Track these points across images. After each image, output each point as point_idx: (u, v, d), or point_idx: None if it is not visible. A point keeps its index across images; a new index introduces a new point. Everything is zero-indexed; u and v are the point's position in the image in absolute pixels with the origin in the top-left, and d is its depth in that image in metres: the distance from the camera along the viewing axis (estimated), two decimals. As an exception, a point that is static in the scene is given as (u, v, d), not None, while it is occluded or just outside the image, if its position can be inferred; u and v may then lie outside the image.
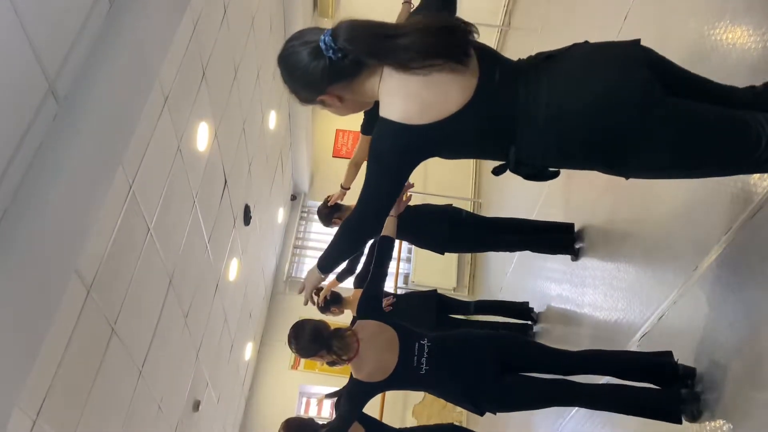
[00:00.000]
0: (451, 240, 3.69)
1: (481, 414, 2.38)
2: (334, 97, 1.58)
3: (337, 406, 3.11)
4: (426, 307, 4.10)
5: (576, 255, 3.50)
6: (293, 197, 7.96)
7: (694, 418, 2.05)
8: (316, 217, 8.45)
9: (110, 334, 3.07)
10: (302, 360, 7.09)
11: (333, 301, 3.90)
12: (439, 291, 4.31)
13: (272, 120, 5.97)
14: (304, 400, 7.13)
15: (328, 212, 3.77)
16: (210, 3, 3.71)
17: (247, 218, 5.51)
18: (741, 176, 1.97)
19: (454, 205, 3.86)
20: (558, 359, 2.42)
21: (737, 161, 1.51)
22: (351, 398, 2.41)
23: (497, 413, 2.38)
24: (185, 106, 3.57)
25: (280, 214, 7.35)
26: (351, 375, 2.47)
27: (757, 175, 1.89)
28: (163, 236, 3.52)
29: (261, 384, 7.02)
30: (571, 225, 3.61)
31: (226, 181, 4.70)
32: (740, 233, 1.96)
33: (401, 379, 2.37)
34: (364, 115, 3.33)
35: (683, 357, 2.18)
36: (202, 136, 3.98)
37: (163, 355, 3.89)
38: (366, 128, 3.44)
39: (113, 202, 2.83)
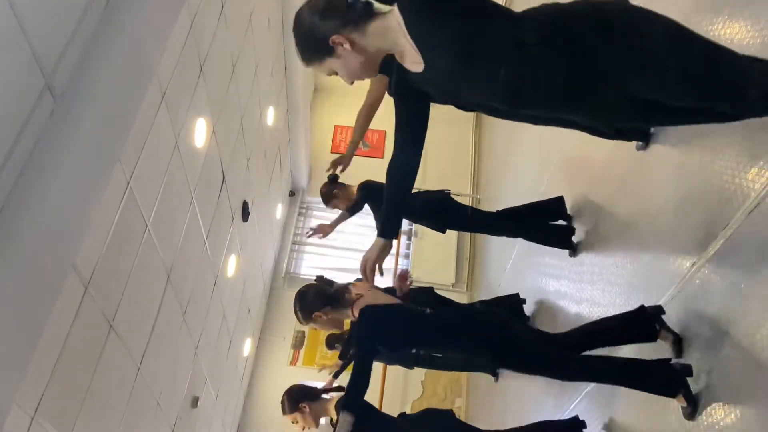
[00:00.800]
0: (452, 216, 3.70)
1: (487, 364, 2.37)
2: (345, 40, 1.59)
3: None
4: (423, 300, 4.12)
5: (574, 251, 3.51)
6: (292, 193, 7.96)
7: (691, 416, 2.06)
8: (315, 213, 8.39)
9: (108, 330, 3.07)
10: (301, 355, 7.10)
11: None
12: (437, 288, 4.31)
13: (270, 116, 5.96)
14: (303, 395, 7.14)
15: (327, 190, 3.79)
16: (207, -2, 3.71)
17: (245, 214, 5.51)
18: (739, 173, 1.97)
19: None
20: (550, 341, 2.45)
21: (729, 74, 1.54)
22: (360, 333, 2.36)
23: (500, 369, 2.36)
24: (183, 102, 3.56)
25: (279, 210, 7.35)
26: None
27: (754, 171, 1.89)
28: (161, 232, 3.52)
29: (260, 380, 7.03)
30: (561, 198, 3.65)
31: (224, 177, 4.69)
32: (738, 230, 1.97)
33: (404, 313, 2.32)
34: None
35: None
36: (200, 132, 3.97)
37: (161, 352, 3.89)
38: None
39: (111, 199, 2.83)
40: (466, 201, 7.40)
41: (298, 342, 7.20)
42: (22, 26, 1.87)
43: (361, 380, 2.25)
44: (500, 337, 2.24)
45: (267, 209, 6.61)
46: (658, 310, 2.31)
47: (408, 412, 6.77)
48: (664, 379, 2.11)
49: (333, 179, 3.86)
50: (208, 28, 3.80)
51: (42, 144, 2.08)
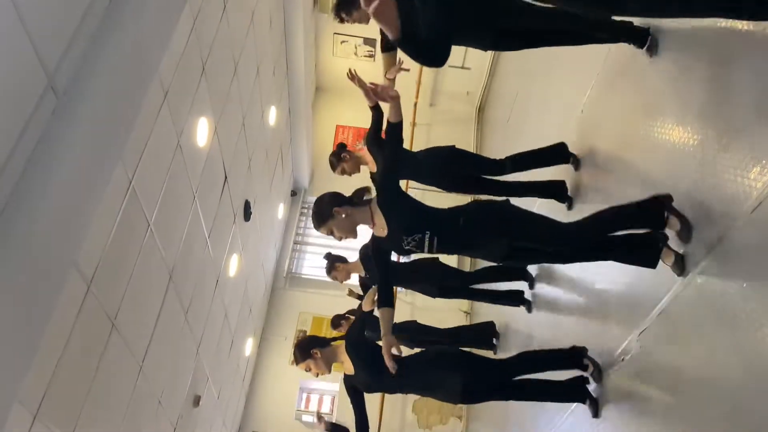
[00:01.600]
0: (458, 167, 3.73)
1: (504, 247, 2.39)
2: None
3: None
4: (432, 268, 4.23)
5: (570, 204, 3.63)
6: (293, 193, 7.97)
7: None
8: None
9: (110, 329, 3.08)
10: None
11: (337, 258, 4.14)
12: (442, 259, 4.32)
13: (272, 115, 5.97)
14: (305, 395, 7.14)
15: (336, 157, 3.78)
16: (209, -2, 3.71)
17: (247, 214, 5.51)
18: (740, 171, 1.97)
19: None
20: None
21: None
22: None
23: (512, 245, 2.39)
24: (185, 102, 3.57)
25: (281, 210, 7.36)
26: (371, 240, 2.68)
27: (756, 170, 1.89)
28: (163, 232, 3.53)
29: (261, 379, 7.04)
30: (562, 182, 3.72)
31: (226, 177, 4.70)
32: (738, 228, 1.97)
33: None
34: (381, 34, 3.26)
35: (681, 348, 2.19)
36: (202, 132, 3.98)
37: (163, 351, 3.90)
38: (386, 46, 3.37)
39: (113, 197, 2.83)
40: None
41: (300, 341, 7.20)
42: (24, 25, 1.88)
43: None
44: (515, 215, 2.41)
45: (269, 209, 6.62)
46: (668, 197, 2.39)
47: (410, 411, 6.79)
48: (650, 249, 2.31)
49: (341, 146, 3.86)
50: (210, 27, 3.81)
51: (44, 142, 2.09)
